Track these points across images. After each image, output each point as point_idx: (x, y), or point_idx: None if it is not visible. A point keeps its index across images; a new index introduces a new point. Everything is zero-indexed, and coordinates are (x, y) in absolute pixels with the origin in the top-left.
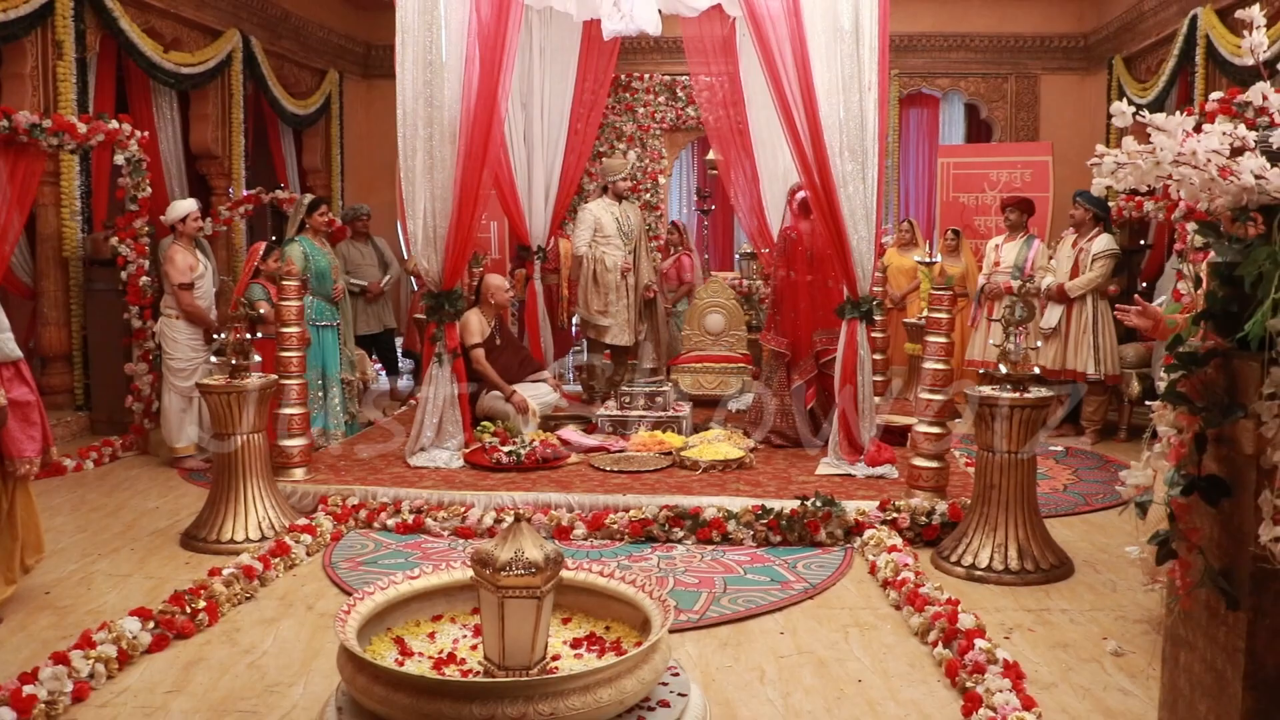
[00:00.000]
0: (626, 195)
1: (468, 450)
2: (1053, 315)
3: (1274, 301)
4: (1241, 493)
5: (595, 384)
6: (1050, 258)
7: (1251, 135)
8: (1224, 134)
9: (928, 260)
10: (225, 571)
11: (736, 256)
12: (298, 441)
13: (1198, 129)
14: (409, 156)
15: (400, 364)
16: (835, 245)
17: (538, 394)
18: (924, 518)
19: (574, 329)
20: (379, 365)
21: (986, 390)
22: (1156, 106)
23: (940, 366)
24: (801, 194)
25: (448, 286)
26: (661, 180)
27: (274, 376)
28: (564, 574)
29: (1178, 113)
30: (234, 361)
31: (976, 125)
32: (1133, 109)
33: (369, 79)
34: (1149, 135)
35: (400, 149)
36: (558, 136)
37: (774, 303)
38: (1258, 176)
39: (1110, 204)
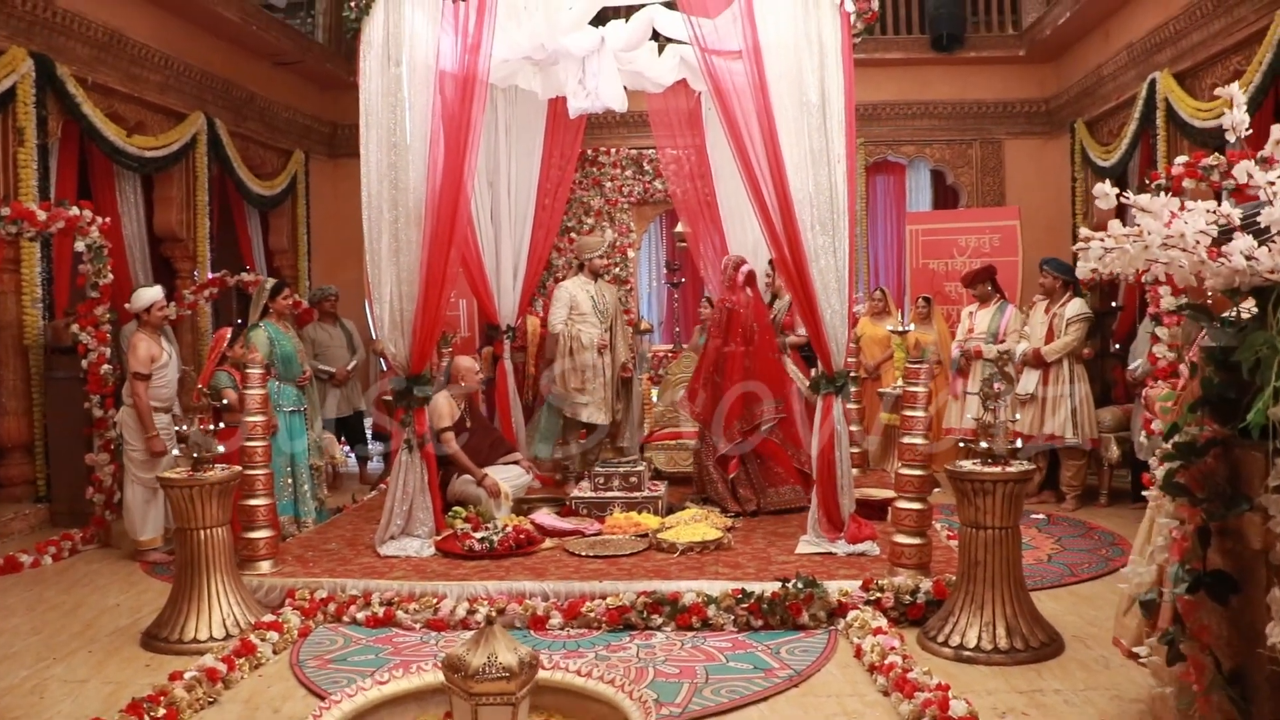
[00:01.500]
0: (602, 273)
1: (439, 538)
2: (1029, 381)
3: (1275, 389)
4: (1252, 589)
5: (571, 464)
6: (1024, 323)
7: (1237, 213)
8: (1209, 211)
9: (900, 329)
10: (187, 675)
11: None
12: (264, 533)
13: (1181, 206)
14: (374, 240)
15: (370, 446)
16: (808, 319)
17: (510, 476)
18: (908, 596)
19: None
20: (348, 448)
21: (968, 465)
22: (1120, 168)
23: (918, 441)
24: (747, 268)
25: (415, 370)
26: (630, 254)
27: (238, 468)
28: (540, 674)
29: (1158, 192)
30: (196, 454)
31: (943, 191)
32: (1116, 190)
33: (335, 158)
34: (1121, 204)
35: (365, 232)
36: (525, 213)
37: (700, 371)
38: (1248, 258)
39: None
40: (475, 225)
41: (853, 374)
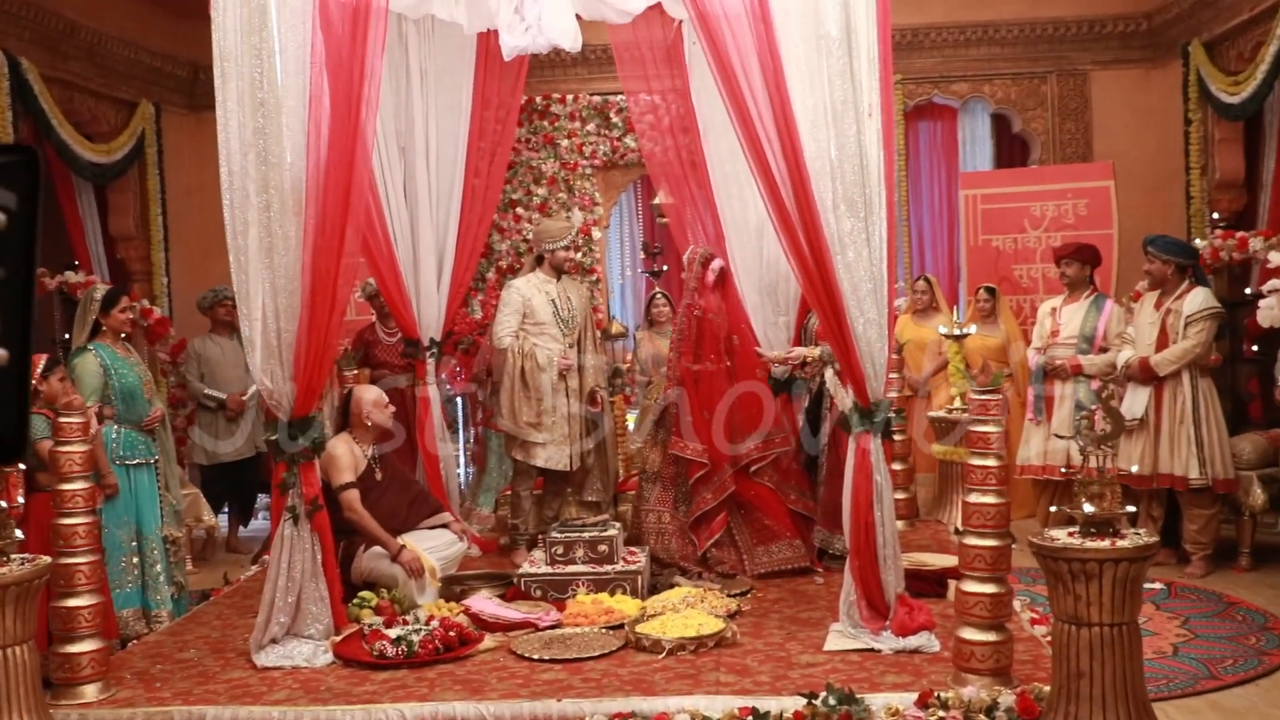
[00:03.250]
0: (567, 270)
1: (339, 638)
2: (1137, 402)
3: None
4: None
5: (521, 523)
6: (1127, 324)
7: None
8: None
9: (957, 332)
10: None
11: None
12: (88, 646)
13: None
14: (238, 234)
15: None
16: (833, 332)
17: (437, 546)
18: (983, 717)
19: None
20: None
21: (1062, 538)
22: (1254, 105)
23: (992, 501)
24: (718, 264)
25: (301, 412)
26: (596, 234)
27: (47, 559)
28: None
29: None
30: None
31: (1009, 142)
32: None
33: (198, 111)
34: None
35: (228, 223)
36: (450, 186)
37: (681, 401)
38: None
39: (1201, 244)
40: (383, 207)
41: (894, 393)
